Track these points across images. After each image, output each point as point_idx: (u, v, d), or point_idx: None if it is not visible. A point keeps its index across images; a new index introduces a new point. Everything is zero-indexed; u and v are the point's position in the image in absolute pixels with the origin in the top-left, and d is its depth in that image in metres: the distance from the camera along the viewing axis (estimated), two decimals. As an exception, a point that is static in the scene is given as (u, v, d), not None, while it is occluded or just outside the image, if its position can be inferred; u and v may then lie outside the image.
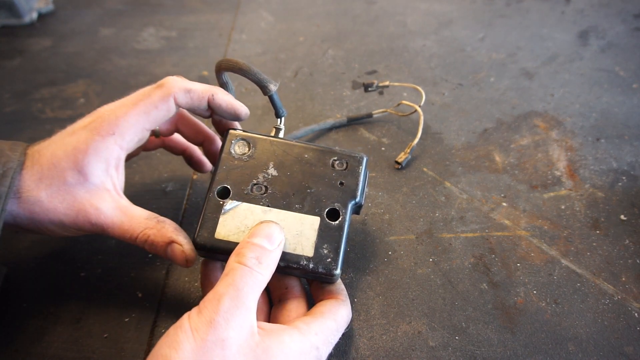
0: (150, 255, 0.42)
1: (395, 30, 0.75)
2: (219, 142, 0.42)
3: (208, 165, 0.45)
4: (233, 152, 0.36)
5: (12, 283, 0.40)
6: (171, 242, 0.33)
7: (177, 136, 0.44)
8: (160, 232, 0.33)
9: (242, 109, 0.38)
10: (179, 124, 0.41)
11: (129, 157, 0.42)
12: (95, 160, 0.32)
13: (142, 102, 0.34)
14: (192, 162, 0.46)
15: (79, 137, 0.33)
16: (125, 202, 0.34)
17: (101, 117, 0.33)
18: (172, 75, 0.37)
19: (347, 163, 0.36)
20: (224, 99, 0.36)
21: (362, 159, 0.36)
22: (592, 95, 0.60)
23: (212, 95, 0.36)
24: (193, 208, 0.47)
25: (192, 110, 0.37)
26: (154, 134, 0.41)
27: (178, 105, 0.35)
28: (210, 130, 0.42)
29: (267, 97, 0.38)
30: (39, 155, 0.32)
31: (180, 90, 0.34)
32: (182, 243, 0.33)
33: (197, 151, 0.45)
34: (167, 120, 0.40)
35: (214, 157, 0.42)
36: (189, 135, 0.42)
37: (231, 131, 0.37)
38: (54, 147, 0.33)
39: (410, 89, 0.62)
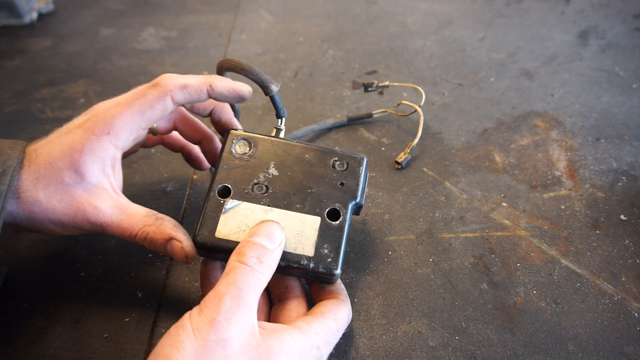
0: (150, 255, 0.42)
1: (395, 30, 0.75)
2: (217, 141, 0.42)
3: (206, 163, 0.45)
4: (234, 151, 0.36)
5: (12, 283, 0.40)
6: (170, 238, 0.33)
7: (175, 134, 0.44)
8: (159, 229, 0.33)
9: (244, 89, 0.37)
10: (177, 122, 0.41)
11: (127, 154, 0.42)
12: (91, 160, 0.32)
13: (137, 101, 0.33)
14: (191, 160, 0.46)
15: (75, 137, 0.33)
16: (124, 200, 0.34)
17: (96, 116, 0.33)
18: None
19: (347, 163, 0.36)
20: (224, 85, 0.36)
21: (363, 159, 0.36)
22: (592, 95, 0.60)
23: (211, 86, 0.35)
24: (193, 208, 0.47)
25: (192, 104, 0.37)
26: (152, 132, 0.41)
27: (176, 103, 0.35)
28: (209, 129, 0.42)
29: (267, 98, 0.38)
30: (36, 155, 0.33)
31: (176, 88, 0.34)
32: (181, 239, 0.33)
33: (195, 149, 0.45)
34: (165, 118, 0.40)
35: (212, 155, 0.42)
36: (187, 134, 0.41)
37: (232, 131, 0.37)
38: (50, 147, 0.33)
39: (410, 89, 0.62)
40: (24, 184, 0.32)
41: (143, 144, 0.43)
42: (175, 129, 0.41)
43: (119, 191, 0.35)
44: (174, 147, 0.45)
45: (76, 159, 0.32)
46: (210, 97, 0.36)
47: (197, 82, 0.35)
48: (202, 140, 0.41)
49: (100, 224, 0.33)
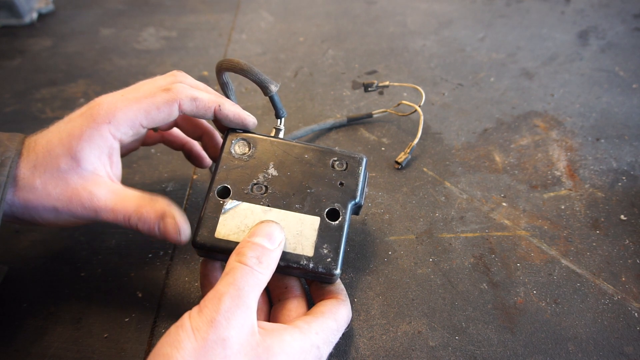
0: (150, 255, 0.42)
1: (395, 30, 0.75)
2: (218, 137, 0.42)
3: (207, 160, 0.45)
4: (233, 151, 0.36)
5: (12, 283, 0.40)
6: (163, 214, 0.32)
7: (176, 131, 0.44)
8: (152, 207, 0.32)
9: (250, 119, 0.37)
10: (178, 118, 0.41)
11: (127, 152, 0.42)
12: (89, 147, 0.32)
13: (145, 100, 0.34)
14: (192, 157, 0.45)
15: (74, 124, 0.33)
16: (119, 186, 0.34)
17: (99, 105, 0.33)
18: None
19: (346, 163, 0.36)
20: (231, 109, 0.36)
21: (362, 159, 0.36)
22: (592, 95, 0.60)
23: (219, 106, 0.35)
24: (193, 208, 0.47)
25: (196, 117, 0.37)
26: (153, 128, 0.41)
27: (181, 112, 0.35)
28: (209, 125, 0.42)
29: (267, 98, 0.38)
30: (35, 144, 0.33)
31: (187, 98, 0.34)
32: (174, 214, 0.32)
33: (196, 146, 0.45)
34: None
35: (213, 151, 0.42)
36: (188, 130, 0.41)
37: (231, 131, 0.37)
38: (49, 135, 0.33)
39: (410, 89, 0.62)
40: (22, 172, 0.32)
41: (144, 142, 0.43)
42: (176, 125, 0.41)
43: (116, 180, 0.35)
44: (174, 145, 0.45)
45: (74, 145, 0.32)
46: (215, 116, 0.36)
47: (207, 99, 0.35)
48: (202, 135, 0.41)
49: (94, 209, 0.32)
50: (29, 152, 0.32)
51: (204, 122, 0.41)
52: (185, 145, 0.45)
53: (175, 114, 0.35)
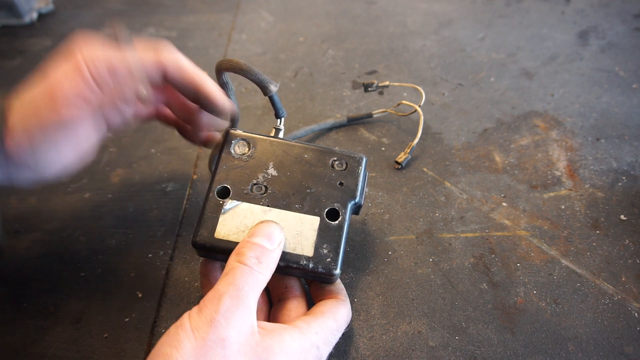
0: (150, 255, 0.42)
1: (395, 30, 0.75)
2: (206, 120, 0.40)
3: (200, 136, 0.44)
4: (233, 152, 0.36)
5: (12, 283, 0.40)
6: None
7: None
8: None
9: (217, 95, 0.36)
10: (168, 97, 0.39)
11: (117, 125, 0.38)
12: (66, 77, 0.32)
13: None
14: (185, 133, 0.44)
15: (57, 71, 0.33)
16: None
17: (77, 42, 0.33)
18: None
19: (346, 163, 0.36)
20: (177, 64, 0.38)
21: (362, 159, 0.36)
22: (592, 95, 0.60)
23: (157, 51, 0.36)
24: (193, 208, 0.47)
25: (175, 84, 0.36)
26: (142, 99, 0.37)
27: (163, 70, 0.36)
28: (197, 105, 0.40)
29: (267, 98, 0.38)
30: (24, 93, 0.33)
31: (172, 61, 0.37)
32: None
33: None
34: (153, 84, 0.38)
35: (204, 136, 0.41)
36: (178, 112, 0.40)
37: (231, 131, 0.37)
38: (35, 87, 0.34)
39: (410, 89, 0.62)
40: (9, 124, 0.31)
41: (138, 116, 0.40)
42: (167, 105, 0.40)
43: None
44: (169, 120, 0.43)
45: (53, 81, 0.32)
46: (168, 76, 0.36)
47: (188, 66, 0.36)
48: (193, 116, 0.40)
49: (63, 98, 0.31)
50: (16, 101, 0.33)
51: (193, 105, 0.39)
52: (179, 121, 0.44)
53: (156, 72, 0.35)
